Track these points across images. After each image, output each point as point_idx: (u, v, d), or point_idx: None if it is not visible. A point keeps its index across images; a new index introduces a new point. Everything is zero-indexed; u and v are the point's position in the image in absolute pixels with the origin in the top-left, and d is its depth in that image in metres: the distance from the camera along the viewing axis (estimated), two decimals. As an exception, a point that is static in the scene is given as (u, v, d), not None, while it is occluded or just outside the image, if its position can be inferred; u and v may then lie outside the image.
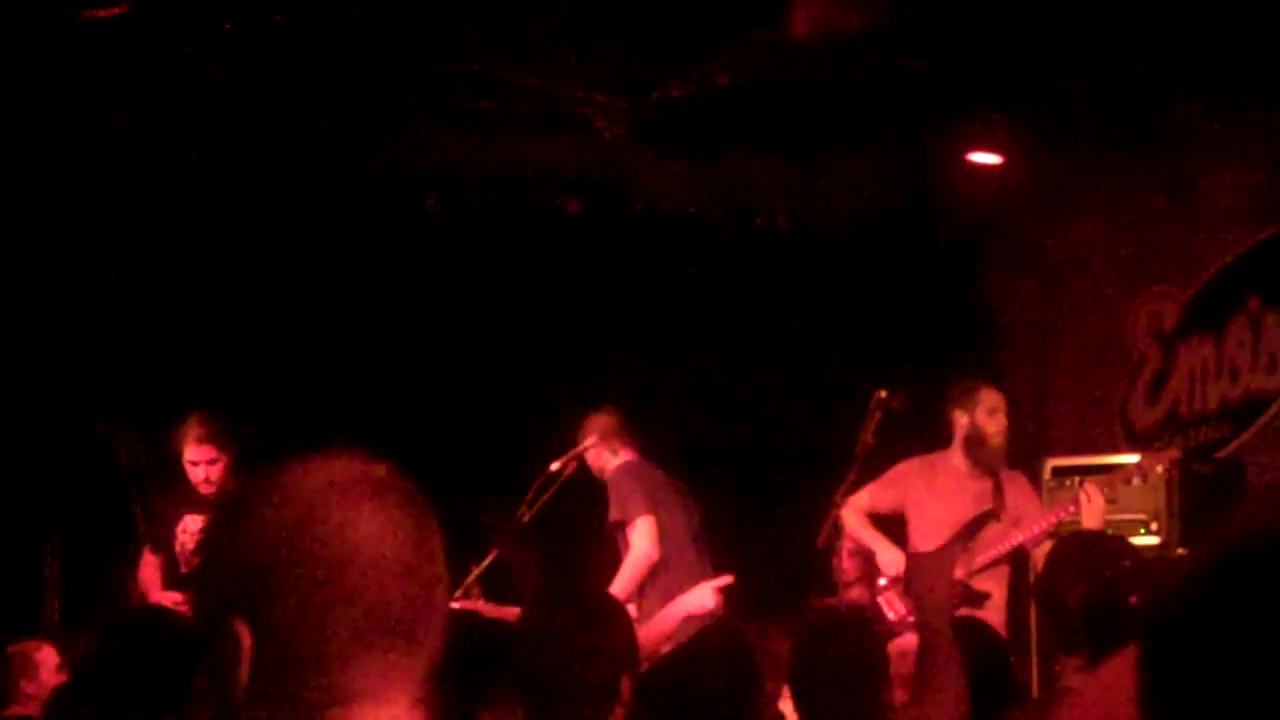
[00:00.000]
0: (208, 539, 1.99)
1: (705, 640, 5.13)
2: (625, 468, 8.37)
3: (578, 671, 3.99)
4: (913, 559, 6.84)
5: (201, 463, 7.99)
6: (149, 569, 8.04)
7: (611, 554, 8.25)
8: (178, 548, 8.09)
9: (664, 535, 8.12)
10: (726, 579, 7.33)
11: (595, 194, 9.96)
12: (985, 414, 8.09)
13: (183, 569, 8.03)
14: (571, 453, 8.08)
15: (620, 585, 7.82)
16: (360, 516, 1.90)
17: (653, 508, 8.16)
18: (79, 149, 8.77)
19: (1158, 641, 1.26)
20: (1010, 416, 8.32)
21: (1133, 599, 4.24)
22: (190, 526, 8.12)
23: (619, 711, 4.06)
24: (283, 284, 9.50)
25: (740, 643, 4.81)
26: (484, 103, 8.97)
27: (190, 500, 8.06)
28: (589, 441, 8.35)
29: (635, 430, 8.51)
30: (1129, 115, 9.26)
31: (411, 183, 9.67)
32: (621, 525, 8.19)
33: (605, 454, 8.41)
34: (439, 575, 1.96)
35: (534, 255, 9.95)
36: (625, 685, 4.09)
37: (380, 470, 1.97)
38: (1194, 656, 1.21)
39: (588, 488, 8.34)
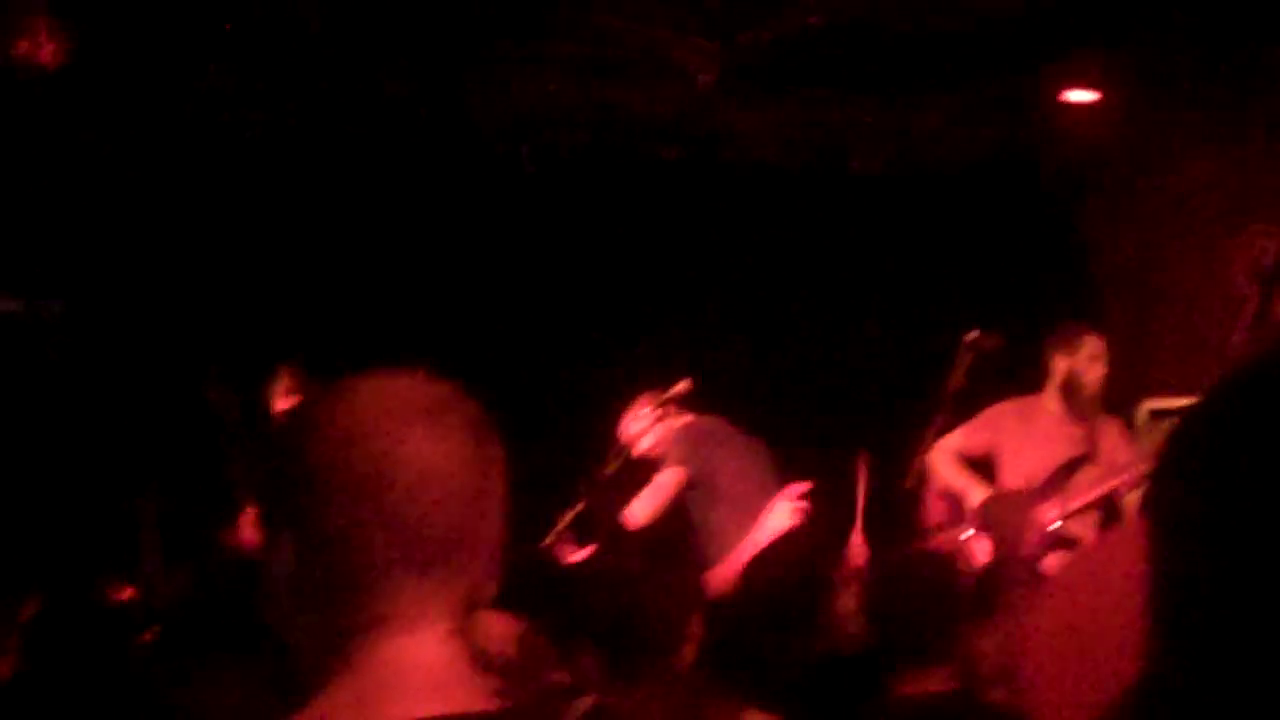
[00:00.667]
0: (269, 450, 2.03)
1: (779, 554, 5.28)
2: (686, 425, 8.24)
3: (648, 611, 4.02)
4: (991, 499, 6.81)
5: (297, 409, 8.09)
6: (248, 523, 8.15)
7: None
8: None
9: (718, 494, 7.97)
10: (803, 486, 7.49)
11: (688, 141, 9.93)
12: (1087, 360, 8.09)
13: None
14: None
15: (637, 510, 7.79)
16: (409, 437, 1.88)
17: (686, 462, 8.04)
18: (173, 100, 8.83)
19: (1171, 469, 1.20)
20: (1108, 360, 8.30)
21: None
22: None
23: (689, 649, 4.11)
24: (376, 235, 9.56)
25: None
26: (574, 47, 8.97)
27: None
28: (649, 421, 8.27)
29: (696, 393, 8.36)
30: (1228, 51, 9.18)
31: (503, 130, 9.67)
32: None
33: (664, 427, 8.31)
34: (494, 503, 1.95)
35: (626, 203, 9.98)
36: (696, 623, 4.17)
37: (441, 391, 1.96)
38: (1206, 477, 1.15)
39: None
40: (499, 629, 3.97)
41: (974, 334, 7.62)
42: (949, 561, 5.16)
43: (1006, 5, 8.56)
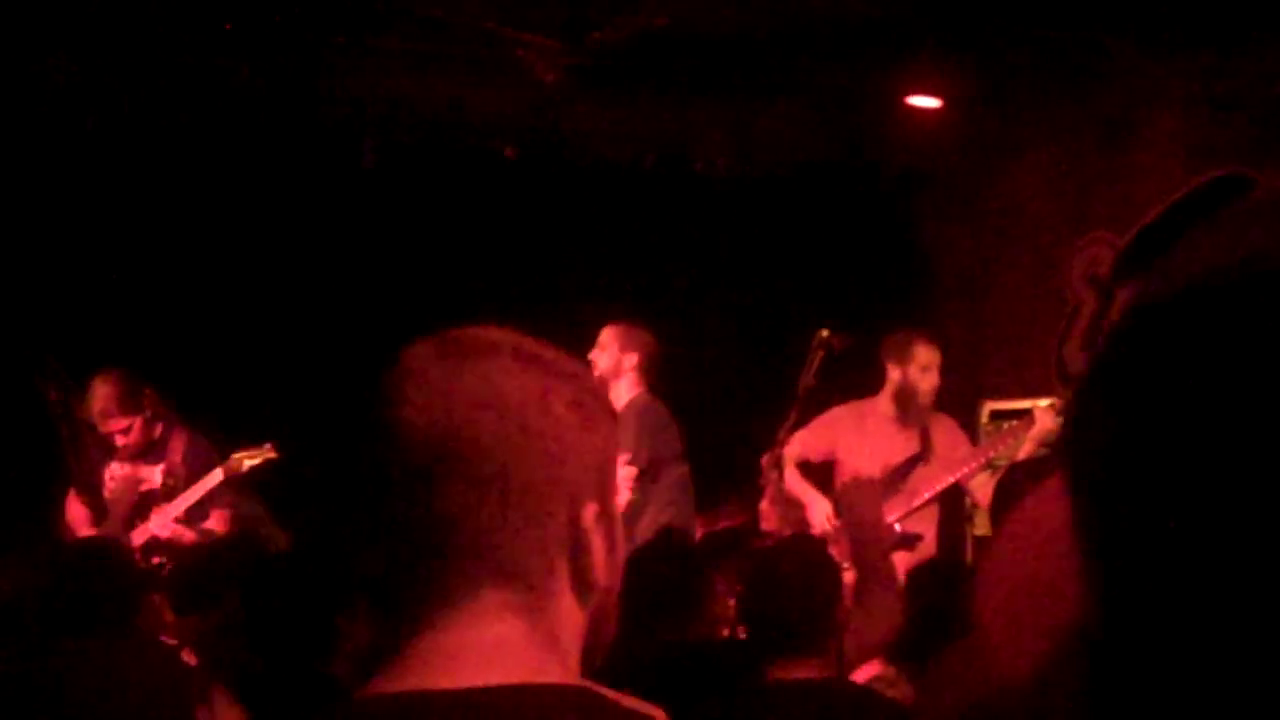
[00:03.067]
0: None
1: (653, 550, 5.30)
2: (658, 409, 8.22)
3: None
4: (842, 486, 6.95)
5: (115, 433, 8.07)
6: (76, 509, 8.03)
7: None
8: (106, 492, 8.13)
9: (663, 479, 8.03)
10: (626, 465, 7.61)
11: (532, 140, 9.96)
12: (918, 370, 8.21)
13: (111, 514, 8.05)
14: None
15: None
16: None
17: (674, 455, 8.08)
18: (11, 93, 8.72)
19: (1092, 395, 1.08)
20: (946, 362, 8.43)
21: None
22: (116, 473, 8.17)
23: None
24: (213, 229, 9.47)
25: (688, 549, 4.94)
26: (418, 44, 8.94)
27: (117, 448, 8.13)
28: (617, 353, 8.23)
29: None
30: (1066, 60, 9.30)
31: (345, 127, 9.65)
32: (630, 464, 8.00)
33: (630, 378, 8.24)
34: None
35: (469, 201, 9.94)
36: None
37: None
38: (1134, 404, 1.03)
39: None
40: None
41: (823, 333, 7.66)
42: (819, 547, 5.16)
43: (849, 9, 8.63)
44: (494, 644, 1.72)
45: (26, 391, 7.95)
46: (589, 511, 1.75)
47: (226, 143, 9.43)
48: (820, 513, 8.06)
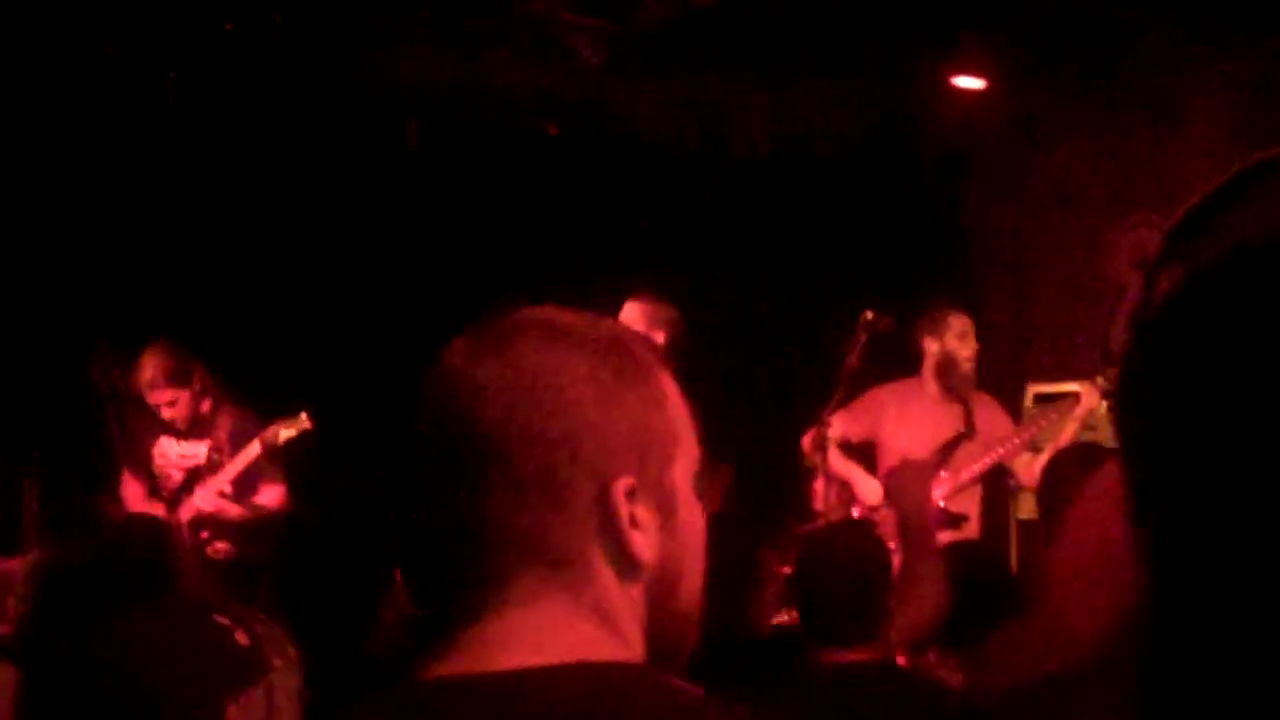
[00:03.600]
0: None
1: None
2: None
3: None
4: (895, 469, 6.94)
5: (162, 405, 8.08)
6: (130, 489, 8.09)
7: None
8: (156, 469, 8.20)
9: None
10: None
11: (575, 118, 9.97)
12: (955, 339, 8.21)
13: (162, 490, 8.11)
14: None
15: None
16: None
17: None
18: (55, 66, 8.75)
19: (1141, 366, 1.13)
20: (988, 342, 8.46)
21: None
22: (166, 449, 8.22)
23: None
24: (258, 211, 9.49)
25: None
26: (462, 24, 8.97)
27: (165, 424, 8.17)
28: (645, 332, 7.84)
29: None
30: (1112, 40, 9.31)
31: (388, 108, 9.67)
32: None
33: None
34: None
35: (513, 181, 9.94)
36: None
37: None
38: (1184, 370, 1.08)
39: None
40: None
41: (868, 315, 7.67)
42: (870, 533, 5.17)
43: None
44: (542, 625, 1.71)
45: (76, 373, 7.97)
46: (619, 486, 1.72)
47: (271, 124, 9.43)
48: (868, 490, 8.06)
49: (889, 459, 8.09)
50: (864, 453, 8.25)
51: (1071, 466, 4.79)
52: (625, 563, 1.74)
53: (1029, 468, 7.88)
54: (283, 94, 9.37)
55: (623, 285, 8.38)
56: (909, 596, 5.42)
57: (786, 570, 5.25)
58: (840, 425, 7.97)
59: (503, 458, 1.70)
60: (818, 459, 7.76)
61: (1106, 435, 8.48)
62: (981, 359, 8.40)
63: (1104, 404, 8.34)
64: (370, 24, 8.96)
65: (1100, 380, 8.11)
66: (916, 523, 5.60)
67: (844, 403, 7.85)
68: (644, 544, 1.74)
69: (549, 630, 1.71)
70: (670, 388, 1.80)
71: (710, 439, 5.68)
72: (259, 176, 9.48)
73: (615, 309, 8.13)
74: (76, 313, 8.60)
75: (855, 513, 8.02)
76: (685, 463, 1.79)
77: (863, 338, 7.64)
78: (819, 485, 7.88)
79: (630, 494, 1.73)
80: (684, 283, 8.97)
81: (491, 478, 1.70)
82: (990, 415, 8.28)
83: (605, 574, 1.73)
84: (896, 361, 8.29)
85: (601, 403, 1.73)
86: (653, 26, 8.95)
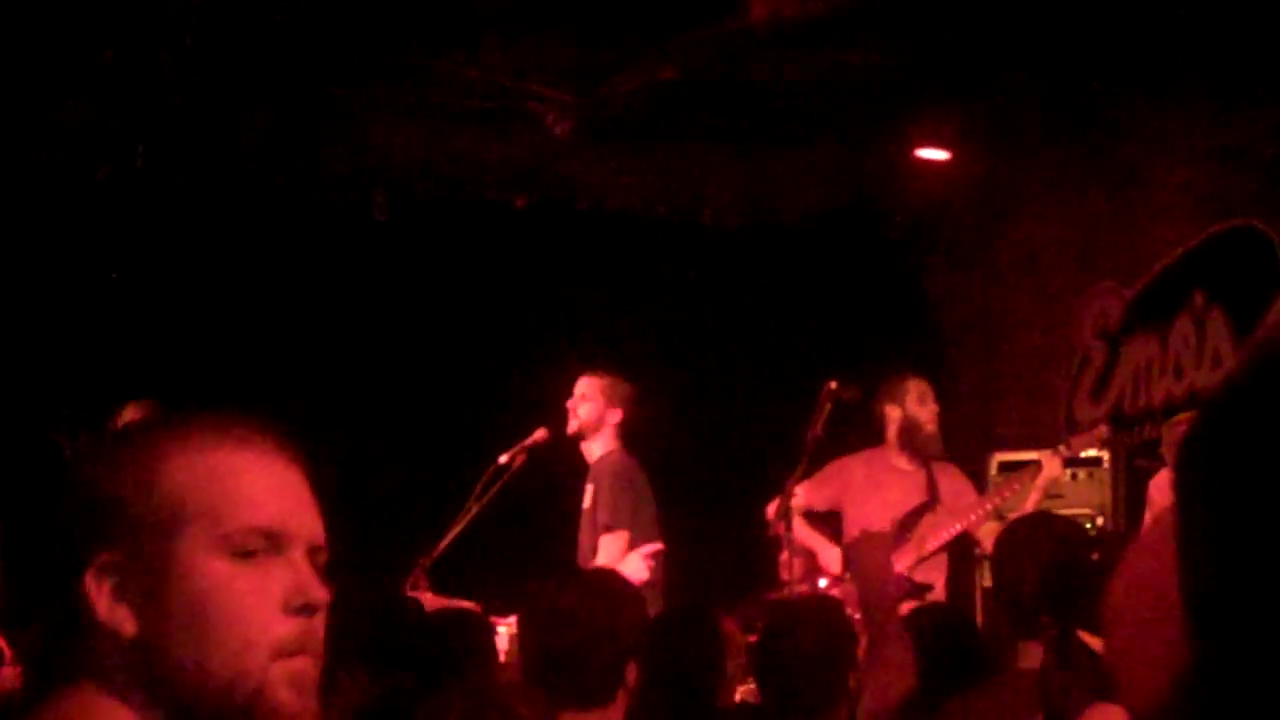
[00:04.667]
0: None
1: (670, 624, 5.30)
2: (630, 469, 8.07)
3: (582, 651, 4.03)
4: (852, 540, 6.97)
5: None
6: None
7: (566, 544, 8.20)
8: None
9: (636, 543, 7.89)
10: (655, 546, 7.60)
11: (542, 190, 10.03)
12: (915, 403, 8.26)
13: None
14: (521, 444, 7.99)
15: None
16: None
17: (637, 522, 7.92)
18: (22, 143, 8.83)
19: (1203, 442, 1.17)
20: (955, 410, 8.61)
21: (1094, 554, 4.23)
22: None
23: (623, 696, 4.13)
24: (228, 281, 9.52)
25: (706, 613, 5.09)
26: (429, 96, 9.04)
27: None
28: (602, 407, 8.10)
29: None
30: (1075, 111, 9.39)
31: (357, 178, 9.71)
32: (608, 526, 7.89)
33: (609, 432, 8.10)
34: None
35: (480, 252, 10.00)
36: (631, 670, 4.18)
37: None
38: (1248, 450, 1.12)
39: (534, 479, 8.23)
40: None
41: (832, 384, 7.69)
42: (837, 608, 5.18)
43: (858, 62, 8.72)
44: (59, 693, 1.85)
45: (42, 443, 7.99)
46: (97, 560, 1.82)
47: (238, 195, 9.48)
48: (832, 560, 8.09)
49: (854, 528, 8.00)
50: (830, 522, 8.28)
51: (1024, 536, 4.76)
52: (105, 633, 1.82)
53: (994, 536, 7.79)
54: (250, 164, 9.42)
55: (588, 356, 8.42)
56: (876, 671, 5.29)
57: (751, 639, 5.20)
58: (805, 494, 7.97)
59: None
60: (781, 529, 7.73)
61: (1072, 502, 8.65)
62: (948, 427, 8.44)
63: (1067, 472, 8.45)
64: (338, 95, 9.00)
65: (1062, 449, 8.14)
66: (877, 596, 5.55)
67: (808, 472, 7.85)
68: (121, 615, 1.82)
69: (56, 696, 1.83)
70: (190, 464, 1.86)
71: (674, 509, 5.69)
72: (224, 246, 9.51)
73: (584, 377, 8.21)
74: (42, 382, 8.64)
75: (821, 583, 8.01)
76: (202, 537, 1.84)
77: (827, 407, 7.64)
78: (784, 555, 7.86)
79: (112, 568, 1.82)
80: (649, 351, 9.12)
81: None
82: (954, 484, 8.31)
83: (98, 644, 1.82)
84: (861, 432, 8.34)
85: (93, 484, 1.86)
86: (619, 99, 9.00)
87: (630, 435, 8.16)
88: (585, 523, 8.06)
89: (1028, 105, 9.39)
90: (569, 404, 8.16)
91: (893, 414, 8.29)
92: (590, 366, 8.20)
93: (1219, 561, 1.14)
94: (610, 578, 4.76)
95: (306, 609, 1.87)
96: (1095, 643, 4.10)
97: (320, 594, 1.87)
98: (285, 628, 1.85)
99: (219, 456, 1.87)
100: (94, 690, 1.81)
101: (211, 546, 1.83)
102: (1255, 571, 1.11)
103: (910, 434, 8.25)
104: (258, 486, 1.87)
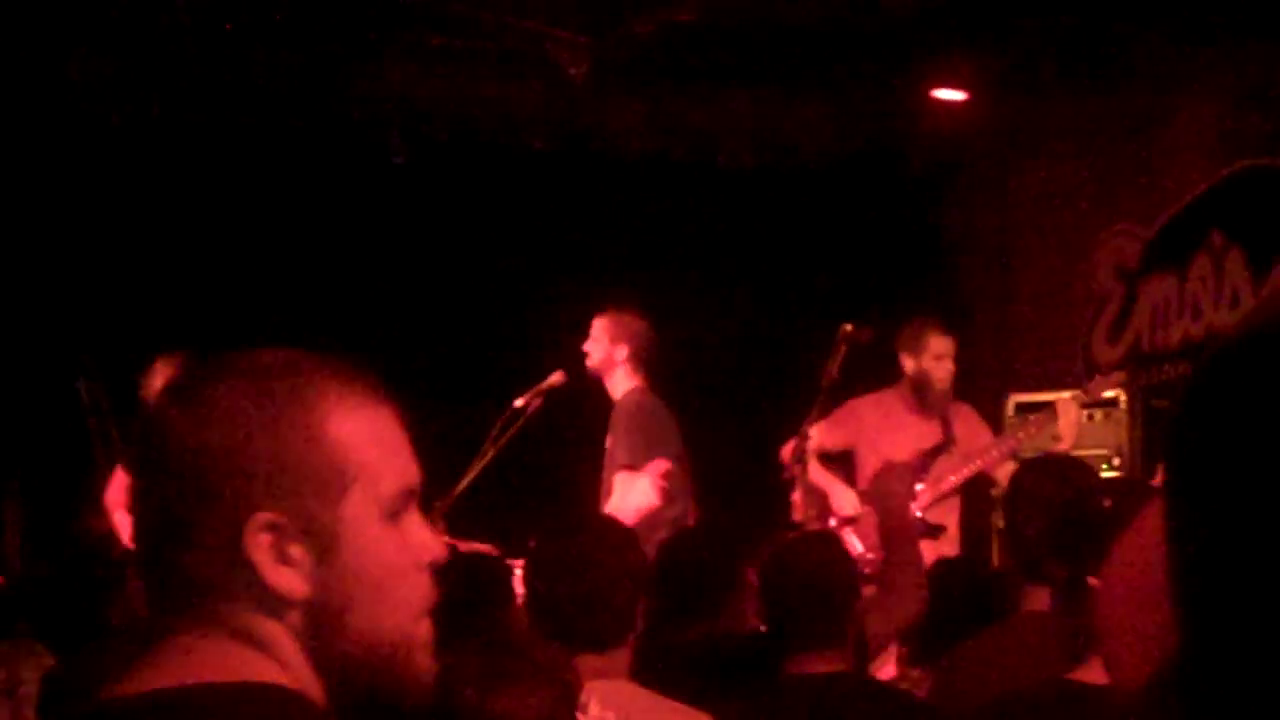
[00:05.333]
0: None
1: (684, 538, 5.49)
2: (649, 406, 8.03)
3: (595, 596, 4.07)
4: (878, 471, 7.01)
5: None
6: (118, 488, 8.08)
7: (582, 487, 8.22)
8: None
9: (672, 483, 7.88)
10: (663, 464, 7.60)
11: (558, 134, 9.98)
12: (932, 359, 8.26)
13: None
14: (538, 388, 7.92)
15: None
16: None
17: (670, 454, 7.90)
18: (38, 88, 8.82)
19: (1190, 423, 1.17)
20: (972, 350, 8.60)
21: (1106, 502, 4.19)
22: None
23: (631, 637, 4.18)
24: (244, 226, 9.52)
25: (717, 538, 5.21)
26: (445, 39, 9.04)
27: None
28: (608, 345, 8.10)
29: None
30: (1093, 51, 9.33)
31: (375, 121, 9.67)
32: (625, 465, 7.88)
33: (624, 370, 8.07)
34: None
35: (496, 196, 9.98)
36: (639, 610, 4.24)
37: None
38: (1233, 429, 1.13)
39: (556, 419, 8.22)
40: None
41: (847, 327, 7.68)
42: (834, 544, 5.20)
43: (879, 3, 8.72)
44: (190, 649, 1.76)
45: (64, 389, 8.02)
46: (255, 521, 1.74)
47: (255, 140, 9.45)
48: (844, 501, 8.14)
49: (868, 469, 8.12)
50: (845, 464, 8.32)
51: (1032, 479, 4.81)
52: (267, 595, 1.76)
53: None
54: (269, 107, 9.39)
55: (605, 298, 8.39)
56: (887, 596, 5.53)
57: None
58: (819, 436, 7.97)
59: (147, 495, 1.80)
60: (797, 470, 7.76)
61: (1088, 443, 8.58)
62: (965, 367, 8.45)
63: (1083, 414, 8.44)
64: (357, 39, 9.00)
65: (1080, 393, 8.15)
66: (896, 523, 5.67)
67: (823, 414, 7.87)
68: (289, 578, 1.76)
69: (196, 655, 1.75)
70: (349, 421, 1.81)
71: (690, 452, 5.70)
72: (241, 192, 9.52)
73: (587, 325, 8.22)
74: (62, 329, 8.66)
75: (832, 524, 8.05)
76: (363, 498, 1.80)
77: (842, 349, 7.63)
78: (797, 496, 7.89)
79: (272, 528, 1.76)
80: (666, 294, 9.03)
81: (142, 513, 1.80)
82: (969, 426, 8.33)
83: (247, 605, 1.76)
84: (877, 373, 8.35)
85: (243, 439, 1.76)
86: (636, 41, 9.00)
87: (654, 373, 8.15)
88: (608, 462, 8.04)
89: (1045, 46, 9.34)
90: (584, 348, 8.17)
91: (907, 363, 8.33)
92: (603, 309, 8.19)
93: (1207, 540, 1.14)
94: (605, 523, 4.82)
95: (436, 565, 1.87)
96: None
97: (443, 550, 1.86)
98: (427, 587, 1.86)
99: (371, 414, 1.84)
100: (242, 647, 1.77)
101: (371, 507, 1.80)
102: (1245, 554, 1.11)
103: (920, 388, 8.28)
104: (402, 444, 1.86)
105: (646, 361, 8.12)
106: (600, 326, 8.16)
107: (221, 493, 1.74)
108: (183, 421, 1.76)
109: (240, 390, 1.77)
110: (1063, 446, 7.79)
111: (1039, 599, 4.56)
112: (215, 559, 1.75)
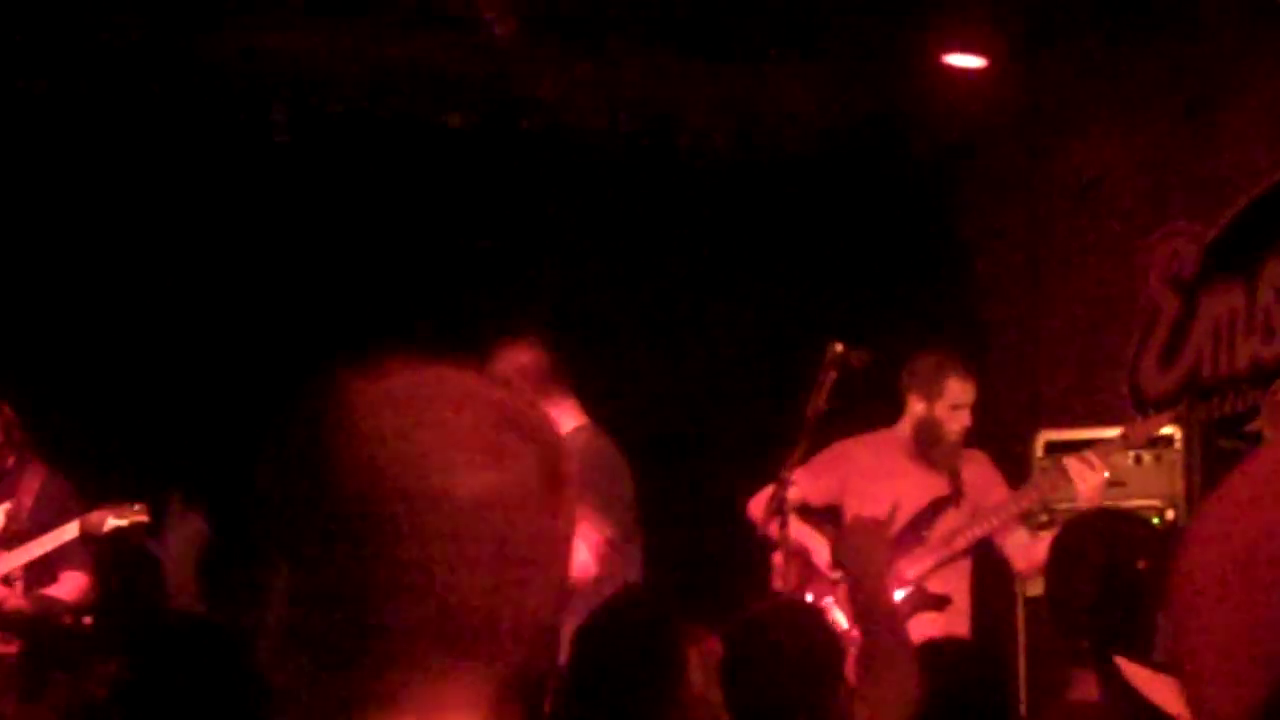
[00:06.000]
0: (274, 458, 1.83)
1: (611, 616, 5.15)
2: (603, 450, 7.75)
3: None
4: (842, 531, 6.85)
5: None
6: None
7: None
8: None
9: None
10: (604, 531, 7.38)
11: (479, 106, 9.91)
12: (947, 409, 8.02)
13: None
14: None
15: None
16: (463, 463, 1.78)
17: (623, 512, 7.69)
18: None
19: None
20: (995, 382, 8.56)
21: (1140, 564, 4.20)
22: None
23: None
24: (99, 217, 9.42)
25: (656, 613, 4.93)
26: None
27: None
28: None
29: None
30: (1140, 9, 9.22)
31: (255, 89, 9.57)
32: None
33: (562, 411, 7.75)
34: (556, 558, 1.85)
35: (405, 181, 9.85)
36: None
37: (508, 399, 1.86)
38: None
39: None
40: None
41: (838, 347, 7.36)
42: (815, 616, 5.20)
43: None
44: None
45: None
46: None
47: (114, 113, 9.41)
48: (829, 564, 7.83)
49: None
50: (831, 519, 8.05)
51: (1073, 540, 4.63)
52: None
53: (1022, 549, 7.83)
54: (131, 77, 9.34)
55: (535, 311, 8.43)
56: (871, 685, 5.25)
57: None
58: (801, 484, 7.71)
59: None
60: (774, 527, 7.49)
61: (1135, 491, 8.62)
62: (984, 397, 8.21)
63: (1129, 455, 8.40)
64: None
65: (1125, 430, 8.00)
66: (872, 595, 5.43)
67: (807, 456, 7.63)
68: None
69: None
70: None
71: (644, 502, 5.40)
72: (105, 176, 9.43)
73: (537, 330, 8.00)
74: None
75: (817, 586, 7.89)
76: None
77: (831, 376, 7.36)
78: (778, 559, 7.69)
79: None
80: (612, 307, 9.20)
81: None
82: (982, 475, 8.17)
83: None
84: (874, 407, 8.15)
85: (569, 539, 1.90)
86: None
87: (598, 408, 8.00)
88: None
89: (1081, 3, 9.28)
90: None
91: (916, 406, 8.06)
92: (508, 337, 7.83)
93: None
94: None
95: None
96: (1139, 674, 4.20)
97: None
98: None
99: None
100: None
101: None
102: None
103: (927, 437, 8.02)
104: None
105: (556, 383, 7.79)
106: (512, 364, 7.75)
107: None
108: None
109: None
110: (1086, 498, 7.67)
111: (1087, 686, 4.41)
112: None
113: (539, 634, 1.82)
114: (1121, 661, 4.17)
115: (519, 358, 7.68)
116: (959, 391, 8.00)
